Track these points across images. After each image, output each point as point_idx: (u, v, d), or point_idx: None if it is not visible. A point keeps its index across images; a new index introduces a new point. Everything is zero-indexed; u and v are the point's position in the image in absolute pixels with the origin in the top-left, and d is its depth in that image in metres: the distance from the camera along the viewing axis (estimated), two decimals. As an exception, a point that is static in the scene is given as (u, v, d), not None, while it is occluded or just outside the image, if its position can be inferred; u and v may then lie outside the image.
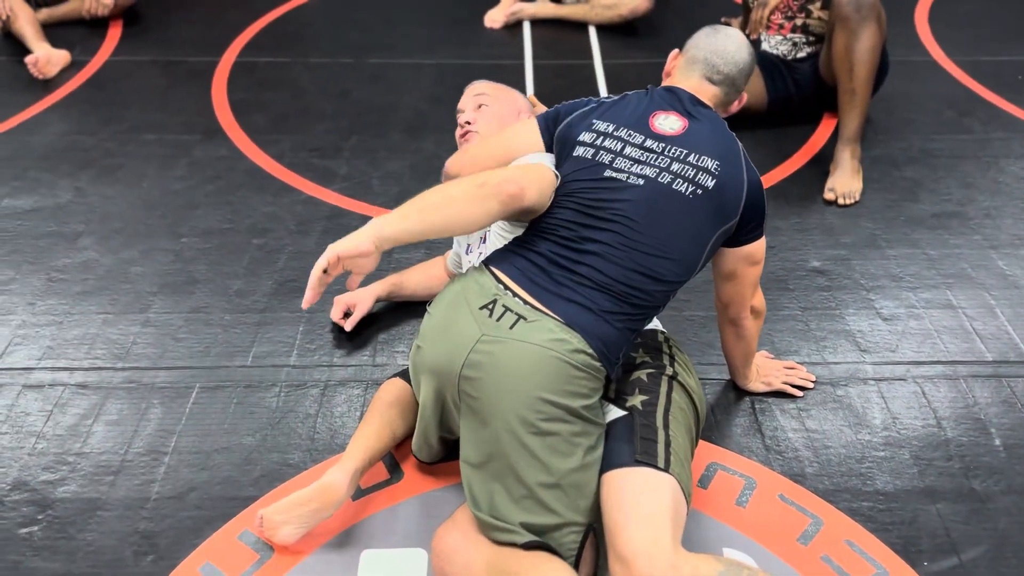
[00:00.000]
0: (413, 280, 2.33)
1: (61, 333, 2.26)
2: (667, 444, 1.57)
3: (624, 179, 1.69)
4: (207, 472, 1.89)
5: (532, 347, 1.54)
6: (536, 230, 1.74)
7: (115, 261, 2.52)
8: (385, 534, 1.77)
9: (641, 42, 3.83)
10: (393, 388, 1.89)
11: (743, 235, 1.76)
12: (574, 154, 1.76)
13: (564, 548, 1.50)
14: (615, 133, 1.75)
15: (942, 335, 2.27)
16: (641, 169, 1.70)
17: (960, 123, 3.22)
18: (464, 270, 1.99)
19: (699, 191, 1.67)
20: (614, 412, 1.64)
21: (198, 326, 2.29)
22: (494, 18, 3.96)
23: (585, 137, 1.77)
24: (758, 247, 1.79)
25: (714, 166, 1.69)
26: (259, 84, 3.49)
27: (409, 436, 1.86)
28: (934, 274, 2.48)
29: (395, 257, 2.51)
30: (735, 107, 1.92)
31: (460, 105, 2.15)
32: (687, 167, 1.70)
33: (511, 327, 1.57)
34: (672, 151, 1.72)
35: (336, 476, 1.69)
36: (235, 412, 2.04)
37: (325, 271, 1.57)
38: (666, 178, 1.68)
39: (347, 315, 2.27)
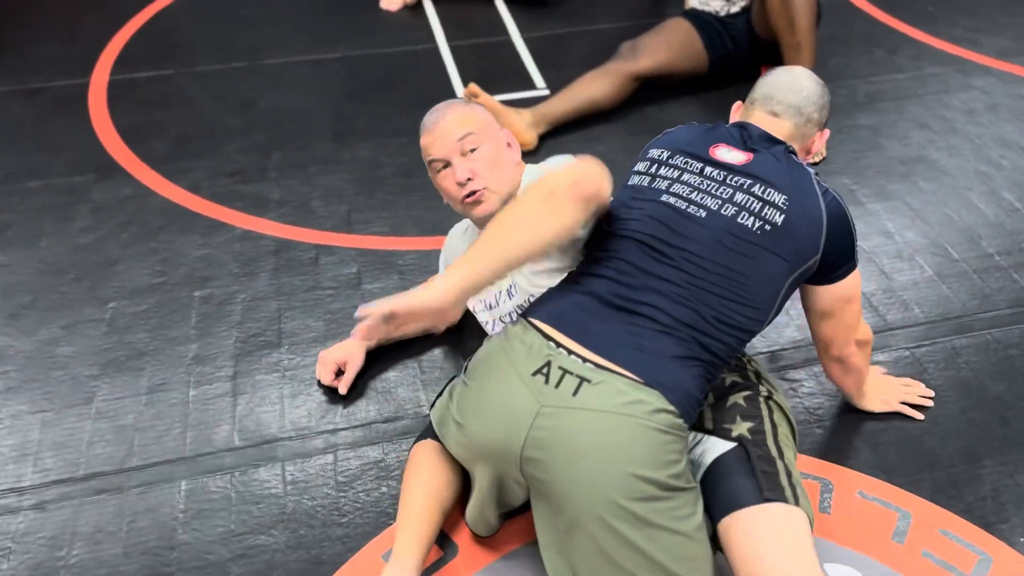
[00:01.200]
0: None
1: (-8, 446, 1.88)
2: (788, 474, 1.42)
3: (684, 207, 1.50)
4: (227, 589, 1.60)
5: (605, 416, 1.33)
6: (582, 269, 1.53)
7: (35, 344, 2.12)
8: (461, 625, 1.55)
9: (555, 12, 3.60)
10: (427, 454, 1.63)
11: (831, 273, 1.56)
12: (628, 183, 1.58)
13: None
14: (671, 161, 1.58)
15: (954, 289, 2.22)
16: (702, 199, 1.51)
17: (892, 62, 3.20)
18: (488, 326, 1.74)
19: (767, 227, 1.47)
20: (721, 445, 1.47)
21: (161, 408, 1.95)
22: (392, 0, 3.63)
23: (640, 167, 1.59)
24: (852, 283, 1.58)
25: (782, 200, 1.49)
26: (145, 104, 3.05)
27: (456, 503, 1.64)
28: (922, 224, 2.44)
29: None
30: (817, 143, 1.69)
31: (436, 154, 1.70)
32: (752, 199, 1.50)
33: (574, 393, 1.35)
34: (734, 180, 1.52)
35: None
36: (237, 507, 1.74)
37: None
38: (730, 210, 1.49)
39: (338, 374, 1.98)
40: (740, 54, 3.04)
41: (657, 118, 2.91)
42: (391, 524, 1.70)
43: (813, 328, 1.67)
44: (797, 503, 1.39)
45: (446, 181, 1.70)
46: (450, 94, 3.07)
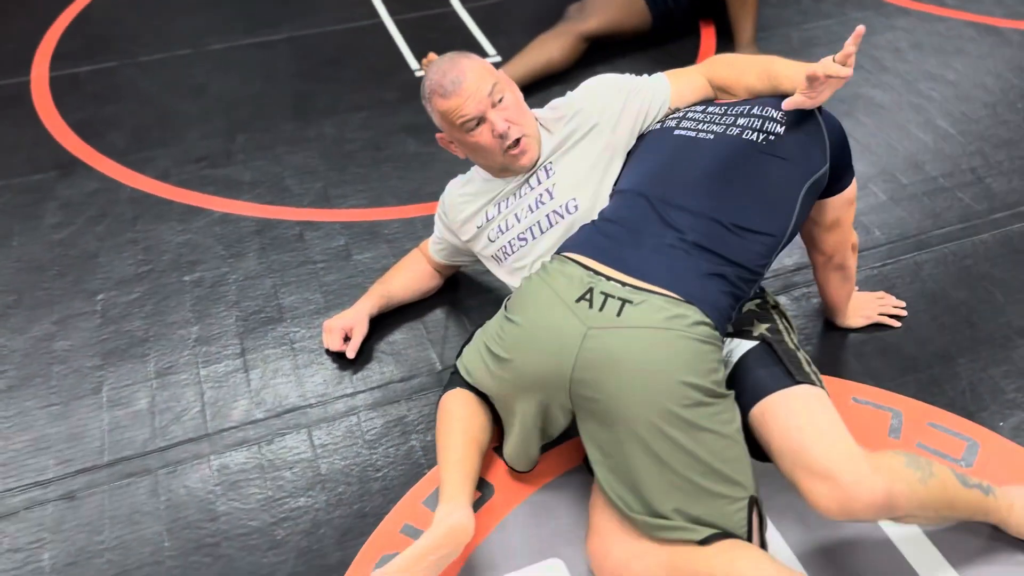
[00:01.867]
0: (400, 286, 2.09)
1: (7, 445, 1.85)
2: (809, 363, 1.57)
3: (693, 135, 1.66)
4: (276, 552, 1.64)
5: (650, 331, 1.43)
6: (611, 204, 1.65)
7: (29, 342, 2.09)
8: (510, 556, 1.62)
9: (492, -22, 3.66)
10: (460, 401, 1.70)
11: (838, 183, 1.71)
12: (644, 135, 1.77)
13: (736, 527, 1.42)
14: (677, 111, 1.77)
15: (908, 211, 2.39)
16: (708, 127, 1.67)
17: (819, 9, 3.38)
18: (523, 267, 1.80)
19: (771, 137, 1.62)
20: (745, 344, 1.59)
21: (174, 390, 1.96)
22: (327, -22, 3.62)
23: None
24: (853, 185, 1.76)
25: (780, 115, 1.64)
26: (94, 98, 2.98)
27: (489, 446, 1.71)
28: (870, 155, 2.61)
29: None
30: None
31: (472, 112, 1.68)
32: (752, 119, 1.65)
33: (618, 314, 1.44)
34: (733, 109, 1.69)
35: (460, 514, 1.51)
36: (271, 474, 1.77)
37: None
38: (734, 131, 1.64)
39: (344, 340, 2.02)
40: (680, 9, 3.16)
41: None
42: (425, 473, 1.76)
43: (820, 243, 1.81)
44: (822, 386, 1.53)
45: (483, 137, 1.70)
46: (404, 67, 3.11)
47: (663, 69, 3.02)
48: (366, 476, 1.77)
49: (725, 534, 1.41)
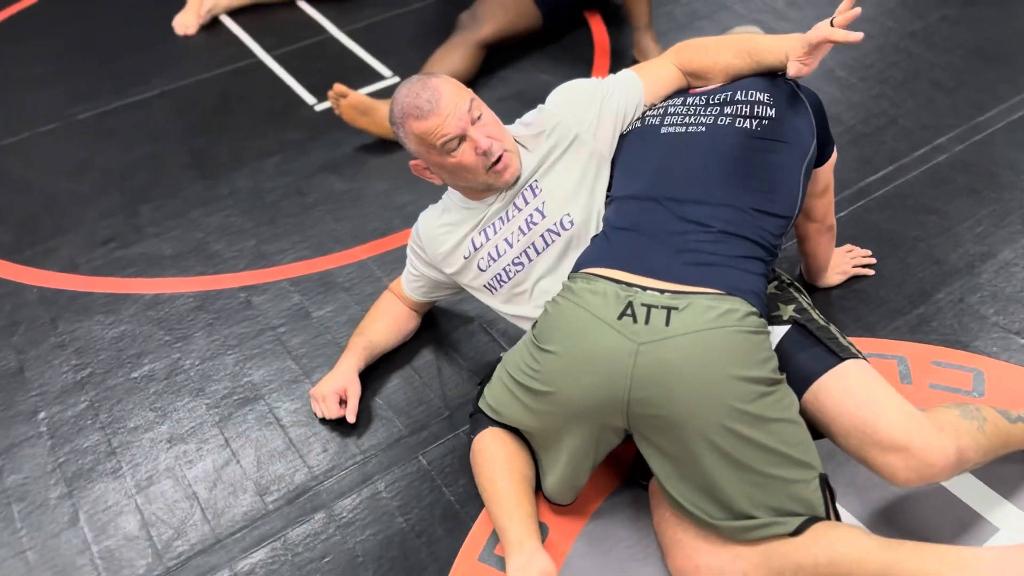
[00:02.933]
0: (380, 334, 1.96)
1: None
2: (842, 335, 1.58)
3: (684, 130, 1.62)
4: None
5: (703, 334, 1.39)
6: (616, 216, 1.59)
7: (-26, 484, 1.82)
8: (587, 592, 1.55)
9: (362, 1, 3.50)
10: (496, 441, 1.61)
11: (824, 152, 1.73)
12: (625, 137, 1.71)
13: (817, 508, 1.41)
14: (653, 108, 1.73)
15: (841, 161, 2.47)
16: (695, 120, 1.63)
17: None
18: (523, 291, 1.72)
19: (764, 121, 1.61)
20: (778, 331, 1.57)
21: (165, 501, 1.76)
22: (186, 23, 3.37)
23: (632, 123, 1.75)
24: (835, 151, 1.79)
25: (767, 97, 1.63)
26: (-43, 195, 2.65)
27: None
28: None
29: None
30: None
31: (452, 131, 1.59)
32: (740, 106, 1.63)
33: (666, 324, 1.40)
34: (715, 98, 1.66)
35: (540, 560, 1.45)
36: (307, 570, 1.62)
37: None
38: (725, 120, 1.61)
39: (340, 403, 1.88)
40: (566, 5, 3.14)
41: (516, 79, 2.95)
42: (471, 527, 1.66)
43: (812, 211, 1.83)
44: (864, 357, 1.54)
45: (466, 156, 1.62)
46: (300, 103, 2.94)
47: (563, 63, 3.05)
48: (408, 545, 1.65)
49: (813, 519, 1.39)
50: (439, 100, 1.59)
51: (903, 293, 2.05)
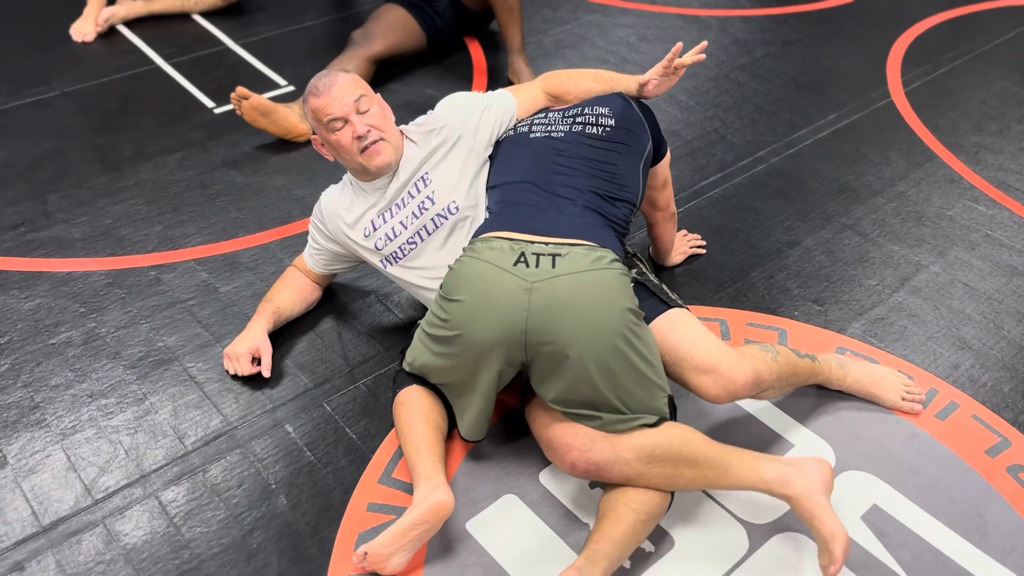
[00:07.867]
0: (286, 301, 2.22)
1: None
2: (672, 291, 2.00)
3: (548, 135, 2.03)
4: (257, 559, 1.75)
5: (584, 274, 1.72)
6: (502, 193, 1.95)
7: (-101, 436, 1.95)
8: (469, 504, 1.86)
9: (257, 17, 3.75)
10: (416, 395, 1.89)
11: (659, 151, 2.14)
12: (500, 143, 2.13)
13: (666, 414, 1.76)
14: (522, 122, 2.14)
15: (680, 170, 2.92)
16: (555, 128, 2.04)
17: (558, 17, 3.88)
18: (416, 265, 2.03)
19: (607, 128, 2.02)
20: None
21: (90, 446, 1.95)
22: (83, 31, 3.52)
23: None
24: (668, 151, 2.21)
25: (607, 111, 2.05)
26: None
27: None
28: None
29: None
30: None
31: (336, 112, 1.94)
32: (588, 116, 2.05)
33: (553, 266, 1.73)
34: (569, 112, 2.09)
35: (441, 491, 1.69)
36: (223, 495, 1.86)
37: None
38: (577, 128, 2.02)
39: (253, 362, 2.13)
40: (448, 27, 3.50)
41: (404, 91, 3.28)
42: (371, 458, 1.94)
43: (656, 201, 2.25)
44: (686, 307, 1.94)
45: (344, 137, 1.95)
46: (200, 107, 3.15)
47: (445, 81, 3.41)
48: (316, 473, 1.91)
49: (665, 419, 1.75)
50: (333, 85, 1.96)
51: (726, 271, 2.50)
